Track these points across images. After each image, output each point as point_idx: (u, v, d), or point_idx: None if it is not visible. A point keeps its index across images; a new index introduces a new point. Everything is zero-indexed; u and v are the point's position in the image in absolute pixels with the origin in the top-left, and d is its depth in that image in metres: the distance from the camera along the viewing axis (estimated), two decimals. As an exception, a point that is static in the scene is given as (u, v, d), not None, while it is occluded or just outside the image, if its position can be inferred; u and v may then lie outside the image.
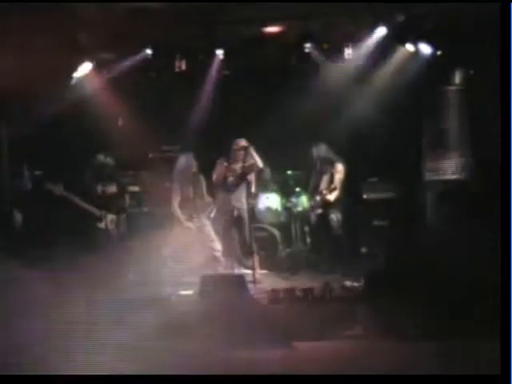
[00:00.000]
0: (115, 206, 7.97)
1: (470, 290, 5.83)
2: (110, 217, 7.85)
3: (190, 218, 8.07)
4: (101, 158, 7.98)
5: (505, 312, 4.45)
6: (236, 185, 8.14)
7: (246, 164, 8.11)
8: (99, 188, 7.86)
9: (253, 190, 8.27)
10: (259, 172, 8.29)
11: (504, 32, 5.04)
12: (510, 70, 5.03)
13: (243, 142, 8.16)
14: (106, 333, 5.29)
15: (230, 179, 8.13)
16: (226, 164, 8.12)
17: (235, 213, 8.13)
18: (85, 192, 7.77)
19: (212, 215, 8.23)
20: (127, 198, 8.26)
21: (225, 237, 8.19)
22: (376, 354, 5.34)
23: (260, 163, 8.11)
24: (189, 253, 7.74)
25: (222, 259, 8.02)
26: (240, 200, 8.14)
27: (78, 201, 7.57)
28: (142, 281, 7.44)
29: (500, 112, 5.22)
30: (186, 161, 8.15)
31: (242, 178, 8.12)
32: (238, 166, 8.17)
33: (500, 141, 5.15)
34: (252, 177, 8.24)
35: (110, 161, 8.08)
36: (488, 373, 4.24)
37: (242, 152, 8.09)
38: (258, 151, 8.17)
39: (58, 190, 7.49)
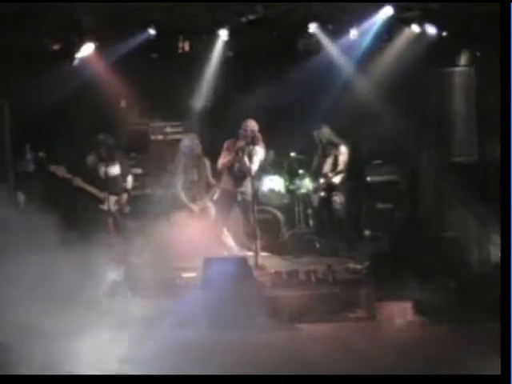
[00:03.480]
0: (118, 187, 7.97)
1: (472, 280, 5.93)
2: (113, 198, 7.85)
3: (194, 201, 8.04)
4: (103, 139, 7.96)
5: (504, 311, 4.46)
6: (242, 170, 7.92)
7: (253, 150, 7.84)
8: (102, 169, 7.85)
9: (252, 172, 7.91)
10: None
11: (504, 32, 5.00)
12: (511, 70, 5.00)
13: (253, 125, 7.85)
14: (110, 315, 5.46)
15: (237, 165, 7.90)
16: (233, 153, 7.83)
17: (239, 197, 7.98)
18: (87, 174, 7.77)
19: (215, 197, 8.20)
20: (130, 179, 8.22)
21: (226, 220, 8.12)
22: (378, 337, 5.43)
23: (250, 168, 7.79)
24: (192, 235, 7.70)
25: (227, 241, 8.01)
26: (245, 185, 7.98)
27: (80, 182, 7.59)
28: (144, 263, 7.41)
29: (500, 113, 5.21)
30: (189, 143, 8.10)
31: (246, 169, 7.86)
32: (244, 152, 7.85)
33: (500, 138, 5.12)
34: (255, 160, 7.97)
35: (112, 142, 8.05)
36: (488, 373, 4.24)
37: (249, 137, 7.79)
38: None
39: (61, 171, 7.50)
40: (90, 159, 7.91)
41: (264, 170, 9.15)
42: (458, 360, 4.65)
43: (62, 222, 6.28)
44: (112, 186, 7.87)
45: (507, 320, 4.36)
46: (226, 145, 7.96)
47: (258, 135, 7.84)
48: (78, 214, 7.25)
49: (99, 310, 5.67)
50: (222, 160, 7.94)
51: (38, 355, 4.67)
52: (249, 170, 7.75)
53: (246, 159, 7.77)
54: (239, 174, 7.95)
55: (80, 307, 5.47)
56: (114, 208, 7.85)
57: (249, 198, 7.94)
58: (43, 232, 5.89)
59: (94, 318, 5.39)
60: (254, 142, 7.78)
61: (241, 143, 7.77)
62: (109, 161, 7.92)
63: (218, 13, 8.30)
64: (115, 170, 7.99)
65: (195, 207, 8.06)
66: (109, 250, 6.47)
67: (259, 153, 7.87)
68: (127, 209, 8.04)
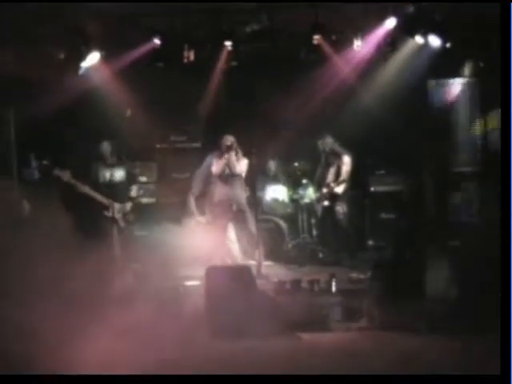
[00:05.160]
0: (123, 195, 7.98)
1: (474, 286, 5.83)
2: (118, 206, 7.86)
3: (203, 213, 8.12)
4: (109, 146, 7.99)
5: (504, 312, 4.47)
6: (232, 178, 8.02)
7: (237, 161, 8.02)
8: (107, 176, 7.88)
9: (238, 171, 8.03)
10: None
11: (504, 32, 5.01)
12: (511, 70, 5.01)
13: (229, 141, 7.97)
14: (112, 322, 5.34)
15: (227, 172, 8.01)
16: (224, 156, 7.97)
17: (234, 207, 8.03)
18: (92, 180, 7.79)
19: (210, 209, 8.22)
20: (135, 187, 8.23)
21: (225, 231, 8.14)
22: (380, 346, 5.36)
23: (237, 169, 8.00)
24: (196, 244, 7.69)
25: (232, 247, 8.06)
26: (237, 194, 8.06)
27: (85, 189, 7.60)
28: (149, 271, 7.40)
29: (500, 115, 5.17)
30: (212, 159, 8.12)
31: (236, 173, 8.01)
32: (231, 161, 8.01)
33: (501, 141, 5.12)
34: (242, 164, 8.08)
35: (118, 149, 8.08)
36: (488, 373, 4.24)
37: (229, 150, 7.95)
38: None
39: (66, 176, 7.51)
40: (96, 165, 7.94)
41: (267, 179, 9.28)
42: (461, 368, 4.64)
43: (66, 229, 6.26)
44: (117, 193, 7.88)
45: (507, 321, 4.36)
46: (215, 155, 8.08)
47: (237, 147, 7.98)
48: (82, 220, 7.23)
49: (103, 316, 5.56)
50: (215, 167, 8.04)
51: (39, 356, 4.66)
52: (236, 169, 7.92)
53: (234, 160, 7.92)
54: (230, 182, 8.02)
55: (83, 313, 5.43)
56: (118, 215, 7.87)
57: (244, 207, 8.03)
58: (47, 239, 5.88)
59: (98, 324, 5.34)
60: (236, 152, 7.96)
61: (227, 149, 7.92)
62: (114, 168, 7.96)
63: (222, 23, 8.34)
64: (120, 177, 8.01)
65: (203, 219, 8.11)
66: (113, 258, 6.44)
67: (243, 161, 8.02)
68: (131, 217, 8.04)
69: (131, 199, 8.06)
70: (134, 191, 8.13)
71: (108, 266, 6.27)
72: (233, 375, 4.51)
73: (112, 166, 7.95)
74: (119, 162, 8.02)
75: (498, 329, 4.50)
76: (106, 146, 7.96)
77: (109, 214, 7.76)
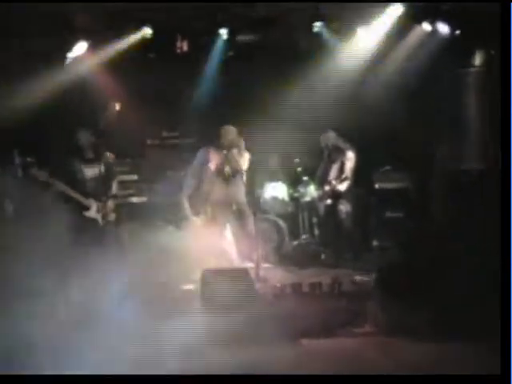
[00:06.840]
0: (103, 192, 7.67)
1: (479, 286, 5.70)
2: (99, 205, 7.57)
3: (197, 214, 7.86)
4: (87, 138, 7.66)
5: (505, 312, 4.52)
6: (233, 176, 7.77)
7: (238, 153, 7.75)
8: (86, 173, 7.60)
9: (243, 170, 7.80)
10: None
11: (504, 32, 5.02)
12: (511, 70, 5.02)
13: (231, 134, 7.71)
14: (103, 330, 5.24)
15: (227, 169, 7.74)
16: (224, 152, 7.70)
17: (234, 207, 7.80)
18: (71, 177, 7.52)
19: (208, 209, 7.99)
20: (115, 184, 7.94)
21: (223, 232, 7.91)
22: (386, 352, 5.24)
23: (240, 166, 7.73)
24: (191, 247, 7.37)
25: (229, 249, 7.82)
26: (238, 193, 7.84)
27: (63, 187, 7.30)
28: (141, 275, 7.11)
29: (500, 115, 5.19)
30: (205, 155, 7.88)
31: (238, 170, 7.76)
32: (232, 156, 7.73)
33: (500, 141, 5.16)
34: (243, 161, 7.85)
35: (97, 142, 7.77)
36: (488, 373, 4.30)
37: (232, 145, 7.68)
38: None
39: (43, 176, 7.25)
40: (74, 160, 7.64)
41: (267, 176, 9.16)
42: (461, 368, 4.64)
43: (48, 232, 6.09)
44: (96, 190, 7.62)
45: (507, 321, 4.41)
46: (211, 152, 7.80)
47: (241, 139, 7.73)
48: (63, 221, 6.96)
49: (93, 324, 5.48)
50: (213, 164, 7.78)
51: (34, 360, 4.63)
52: (240, 168, 7.69)
53: (236, 157, 7.69)
54: (230, 180, 7.76)
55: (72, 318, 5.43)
56: (98, 215, 7.59)
57: (244, 207, 7.82)
58: (27, 241, 5.80)
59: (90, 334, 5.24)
60: (238, 146, 7.70)
61: (229, 144, 7.67)
62: (94, 162, 7.68)
63: (217, 11, 8.15)
64: (101, 172, 7.71)
65: (197, 220, 7.86)
66: (99, 261, 6.19)
67: (246, 156, 7.79)
68: (112, 216, 7.74)
69: (113, 197, 7.74)
70: (113, 188, 7.87)
71: (93, 271, 6.07)
72: (231, 375, 4.50)
73: (91, 160, 7.67)
74: (98, 156, 7.70)
75: (498, 329, 4.55)
76: (84, 139, 7.61)
77: (90, 214, 7.45)
